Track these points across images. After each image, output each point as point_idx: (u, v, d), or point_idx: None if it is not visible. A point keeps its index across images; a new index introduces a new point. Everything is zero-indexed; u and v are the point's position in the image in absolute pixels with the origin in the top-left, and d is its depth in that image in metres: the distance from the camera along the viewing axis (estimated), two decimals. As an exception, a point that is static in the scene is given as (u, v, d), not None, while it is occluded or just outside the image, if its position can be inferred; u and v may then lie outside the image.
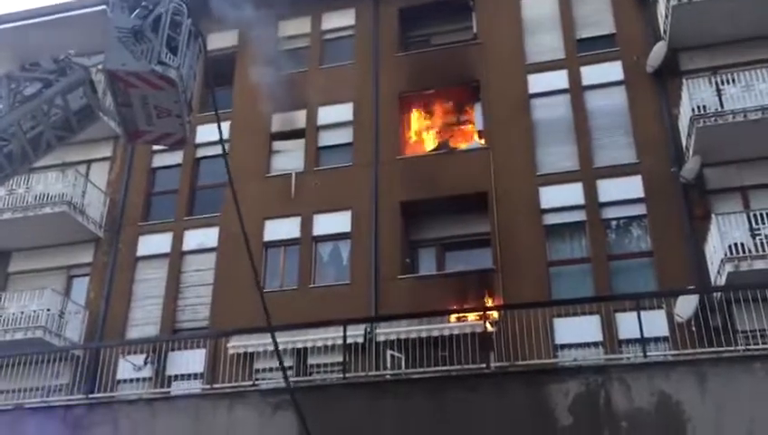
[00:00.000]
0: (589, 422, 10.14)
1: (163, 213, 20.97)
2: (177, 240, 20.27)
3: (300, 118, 21.08)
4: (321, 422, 11.04)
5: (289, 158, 20.81)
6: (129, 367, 17.15)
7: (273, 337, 10.15)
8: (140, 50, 6.94)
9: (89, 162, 21.97)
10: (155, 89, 7.07)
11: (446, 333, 15.22)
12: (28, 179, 20.05)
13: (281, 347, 16.10)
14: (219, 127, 8.69)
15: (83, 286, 20.39)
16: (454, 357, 13.70)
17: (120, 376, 16.69)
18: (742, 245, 14.92)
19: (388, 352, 15.31)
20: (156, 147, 21.06)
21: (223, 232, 19.66)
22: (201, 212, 20.51)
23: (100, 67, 7.40)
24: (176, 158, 21.41)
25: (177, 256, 20.09)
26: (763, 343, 12.46)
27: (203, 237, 20.00)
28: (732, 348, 12.03)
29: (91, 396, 13.15)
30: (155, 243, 20.38)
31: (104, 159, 22.05)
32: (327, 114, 20.92)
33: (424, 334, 15.15)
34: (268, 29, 21.80)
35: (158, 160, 21.84)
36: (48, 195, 19.85)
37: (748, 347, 12.60)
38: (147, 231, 20.67)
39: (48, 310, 18.48)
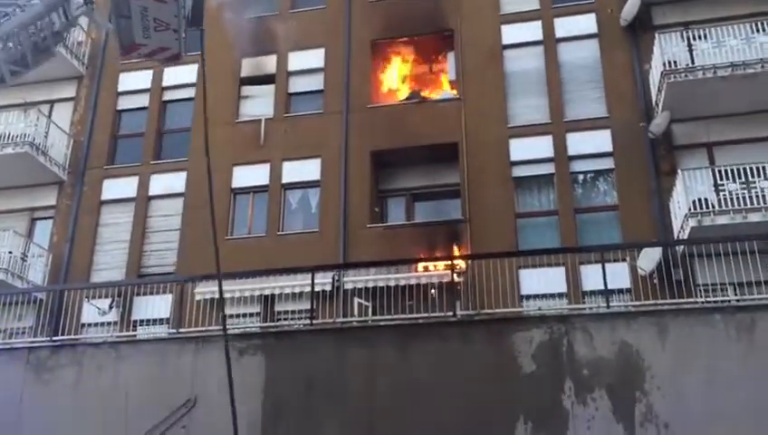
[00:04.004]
0: (551, 369, 10.33)
1: (129, 156, 20.59)
2: (144, 184, 19.98)
3: (270, 63, 20.71)
4: (287, 368, 11.12)
5: (258, 103, 20.49)
6: (94, 311, 17.01)
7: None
8: None
9: (52, 102, 21.44)
10: (157, 0, 7.39)
11: (414, 282, 15.30)
12: (-12, 119, 19.57)
13: (249, 293, 16.33)
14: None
15: (47, 229, 20.10)
16: (421, 306, 13.80)
17: (84, 320, 16.52)
18: (706, 200, 15.12)
19: (356, 300, 15.37)
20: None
21: (190, 177, 19.42)
22: (168, 156, 20.20)
23: None
24: (142, 100, 21.00)
25: (143, 201, 19.83)
26: (722, 296, 12.75)
27: (170, 182, 19.71)
28: (692, 300, 12.30)
29: (55, 339, 13.01)
30: (120, 187, 20.08)
31: (68, 99, 21.52)
32: (298, 60, 20.57)
33: (392, 283, 15.17)
34: (238, -31, 21.23)
35: (124, 103, 21.39)
36: (9, 135, 19.39)
37: (708, 299, 12.92)
38: (112, 175, 20.34)
39: (10, 252, 18.22)
